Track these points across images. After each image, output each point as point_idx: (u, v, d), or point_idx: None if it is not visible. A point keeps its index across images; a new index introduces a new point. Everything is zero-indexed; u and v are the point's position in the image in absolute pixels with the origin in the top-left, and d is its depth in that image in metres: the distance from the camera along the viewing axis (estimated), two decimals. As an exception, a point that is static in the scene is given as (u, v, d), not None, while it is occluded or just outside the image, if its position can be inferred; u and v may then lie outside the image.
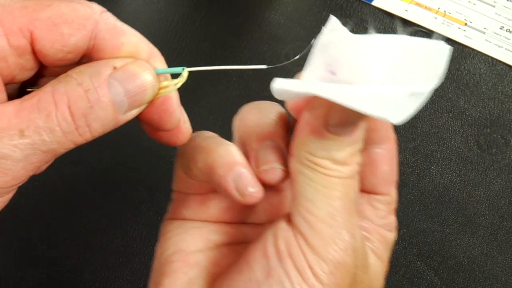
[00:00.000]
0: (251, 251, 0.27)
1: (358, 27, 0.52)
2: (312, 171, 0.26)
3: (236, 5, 0.53)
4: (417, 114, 0.48)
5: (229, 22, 0.51)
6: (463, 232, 0.43)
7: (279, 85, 0.27)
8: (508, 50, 0.53)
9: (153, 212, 0.42)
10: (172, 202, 0.33)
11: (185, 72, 0.30)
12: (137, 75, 0.28)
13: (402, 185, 0.45)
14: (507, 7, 0.55)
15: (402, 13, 0.54)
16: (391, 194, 0.30)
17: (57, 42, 0.27)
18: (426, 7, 0.55)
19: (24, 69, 0.28)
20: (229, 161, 0.29)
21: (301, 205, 0.26)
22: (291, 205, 0.27)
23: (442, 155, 0.47)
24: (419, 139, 0.47)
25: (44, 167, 0.30)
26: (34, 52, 0.28)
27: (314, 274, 0.25)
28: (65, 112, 0.26)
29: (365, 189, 0.30)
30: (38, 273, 0.39)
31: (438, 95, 0.49)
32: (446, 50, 0.24)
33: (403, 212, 0.44)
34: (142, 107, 0.29)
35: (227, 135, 0.46)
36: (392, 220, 0.30)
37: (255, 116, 0.32)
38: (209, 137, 0.31)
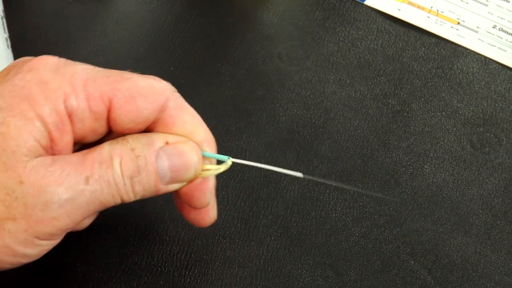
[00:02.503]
0: None
1: (351, 26, 0.52)
2: None
3: (229, 4, 0.52)
4: (410, 114, 0.48)
5: (221, 22, 0.51)
6: (457, 231, 0.43)
7: None
8: (501, 49, 0.53)
9: (147, 212, 0.42)
10: None
11: (229, 161, 0.33)
12: (184, 154, 0.31)
13: (395, 184, 0.45)
14: (499, 6, 0.55)
15: (394, 12, 0.54)
16: None
17: (131, 113, 0.30)
18: (418, 6, 0.55)
19: (95, 132, 0.31)
20: None
21: None
22: None
23: (435, 154, 0.47)
24: (412, 138, 0.47)
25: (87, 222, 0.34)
26: (108, 119, 0.30)
27: None
28: (117, 169, 0.29)
29: None
30: (31, 273, 0.39)
31: (431, 94, 0.49)
32: None
33: (396, 211, 0.44)
34: (184, 183, 0.32)
35: (220, 134, 0.46)
36: None
37: None
38: None
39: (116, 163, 0.29)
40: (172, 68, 0.48)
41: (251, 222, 0.42)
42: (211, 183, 0.33)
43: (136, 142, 0.30)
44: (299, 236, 0.42)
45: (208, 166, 0.33)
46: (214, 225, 0.42)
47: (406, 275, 0.41)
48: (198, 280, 0.40)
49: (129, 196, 0.30)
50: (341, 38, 0.52)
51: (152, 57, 0.49)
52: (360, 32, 0.52)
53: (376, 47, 0.51)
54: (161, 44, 0.50)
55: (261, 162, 0.45)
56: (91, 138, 0.31)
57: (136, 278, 0.40)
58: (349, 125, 0.47)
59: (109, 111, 0.30)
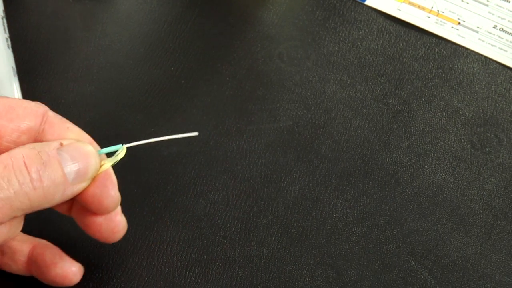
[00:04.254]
0: None
1: (351, 26, 0.52)
2: None
3: (229, 4, 0.52)
4: (410, 114, 0.48)
5: (222, 22, 0.51)
6: (457, 231, 0.43)
7: None
8: (501, 49, 0.53)
9: (147, 212, 0.42)
10: None
11: (124, 147, 0.34)
12: (82, 148, 0.32)
13: (396, 185, 0.45)
14: (500, 6, 0.55)
15: (395, 12, 0.54)
16: None
17: (14, 121, 0.31)
18: (419, 6, 0.55)
19: None
20: None
21: None
22: None
23: (435, 154, 0.47)
24: (413, 138, 0.47)
25: (12, 232, 0.33)
26: None
27: None
28: (20, 164, 0.29)
29: None
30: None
31: (431, 94, 0.49)
32: None
33: (396, 212, 0.44)
34: (88, 182, 0.32)
35: (221, 135, 0.46)
36: None
37: None
38: None
39: (19, 160, 0.29)
40: (172, 68, 0.48)
41: (252, 222, 0.42)
42: (114, 177, 0.34)
43: (34, 145, 0.31)
44: (299, 236, 0.42)
45: (105, 161, 0.33)
46: (215, 225, 0.42)
47: (406, 275, 0.41)
48: (199, 281, 0.40)
49: (38, 193, 0.30)
50: (341, 38, 0.52)
51: (153, 57, 0.49)
52: (360, 32, 0.52)
53: (376, 47, 0.51)
54: (161, 44, 0.50)
55: (261, 163, 0.45)
56: None
57: (136, 278, 0.40)
58: (349, 125, 0.47)
59: None
